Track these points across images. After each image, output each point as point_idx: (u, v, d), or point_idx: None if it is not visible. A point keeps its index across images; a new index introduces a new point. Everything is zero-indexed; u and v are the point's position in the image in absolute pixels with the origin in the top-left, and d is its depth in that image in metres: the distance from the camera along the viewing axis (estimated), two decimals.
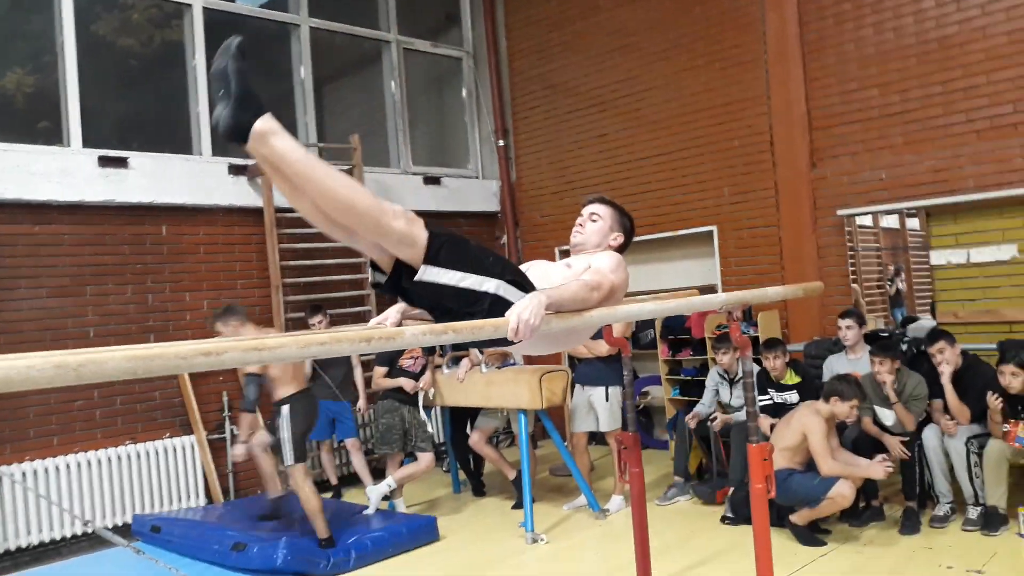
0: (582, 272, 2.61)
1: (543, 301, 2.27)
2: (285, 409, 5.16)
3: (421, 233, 2.32)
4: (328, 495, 6.73)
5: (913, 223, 7.64)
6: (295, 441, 5.10)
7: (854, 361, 5.56)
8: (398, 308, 2.66)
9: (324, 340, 1.99)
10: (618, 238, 2.89)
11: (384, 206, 2.27)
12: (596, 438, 6.71)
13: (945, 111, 5.86)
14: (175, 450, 6.51)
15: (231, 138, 2.13)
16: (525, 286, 2.44)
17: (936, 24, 5.89)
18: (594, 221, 2.88)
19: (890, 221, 7.12)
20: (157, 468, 6.40)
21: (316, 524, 5.04)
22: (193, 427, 6.63)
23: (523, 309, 2.22)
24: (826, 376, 5.56)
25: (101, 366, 1.63)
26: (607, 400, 5.81)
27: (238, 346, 1.84)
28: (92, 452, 6.13)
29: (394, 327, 2.46)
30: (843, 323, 5.60)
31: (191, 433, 6.63)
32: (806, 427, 4.69)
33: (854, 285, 6.41)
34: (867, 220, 6.44)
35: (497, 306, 2.36)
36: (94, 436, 6.24)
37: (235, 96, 2.11)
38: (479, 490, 6.63)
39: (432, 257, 2.34)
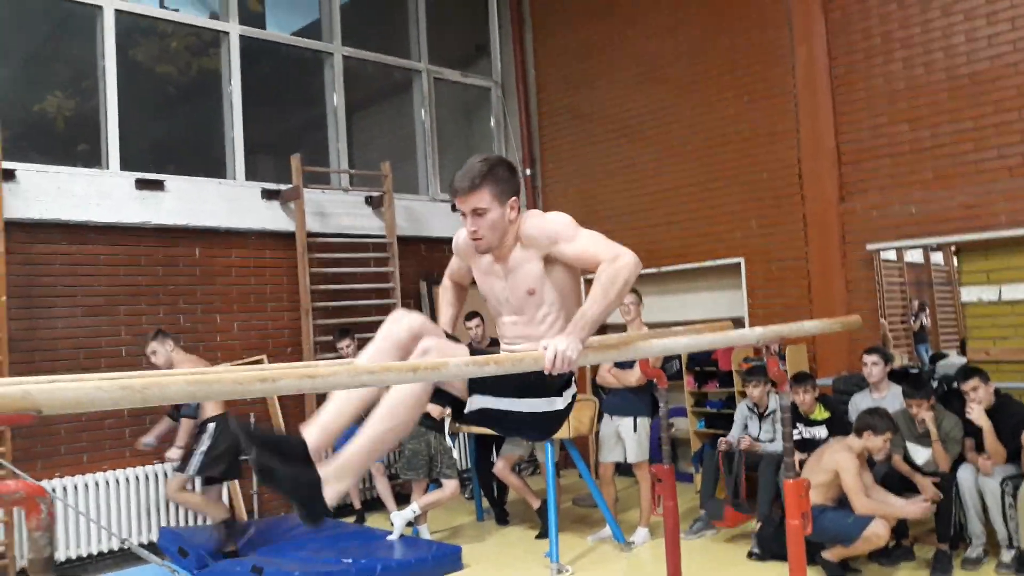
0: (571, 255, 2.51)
1: (581, 337, 2.33)
2: (211, 427, 5.54)
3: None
4: (351, 519, 6.75)
5: (937, 258, 7.61)
6: (210, 457, 5.50)
7: (878, 400, 5.51)
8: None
9: (374, 369, 2.04)
10: (514, 202, 2.55)
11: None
12: (620, 468, 6.69)
13: (977, 147, 5.85)
14: None
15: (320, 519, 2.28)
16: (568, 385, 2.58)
17: (967, 60, 5.90)
18: (481, 215, 2.52)
19: (914, 256, 7.09)
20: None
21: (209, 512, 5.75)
22: None
23: (561, 344, 2.27)
24: (851, 414, 5.52)
25: (164, 389, 1.69)
26: (635, 431, 5.80)
27: (293, 373, 1.89)
28: (121, 471, 6.20)
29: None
30: (868, 359, 5.54)
31: None
32: (839, 464, 4.65)
33: (882, 320, 6.38)
34: (891, 255, 6.42)
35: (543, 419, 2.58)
36: (123, 454, 6.30)
37: (298, 505, 2.25)
38: (502, 518, 6.62)
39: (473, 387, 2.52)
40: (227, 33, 7.25)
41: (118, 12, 6.62)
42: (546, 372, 2.24)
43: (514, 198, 2.55)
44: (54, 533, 1.51)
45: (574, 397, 2.64)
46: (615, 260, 2.38)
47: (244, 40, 7.33)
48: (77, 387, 1.59)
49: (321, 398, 7.06)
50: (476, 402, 2.49)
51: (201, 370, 2.15)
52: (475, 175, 2.50)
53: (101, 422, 6.20)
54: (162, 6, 7.27)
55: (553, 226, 2.52)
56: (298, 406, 7.01)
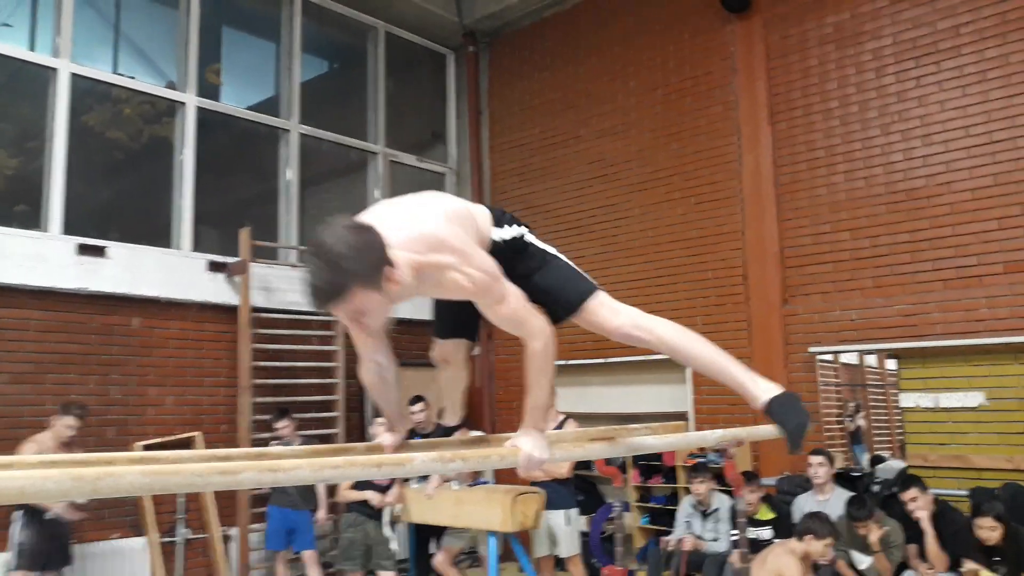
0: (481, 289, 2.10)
1: (542, 432, 2.27)
2: (18, 515, 5.31)
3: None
4: None
5: (871, 360, 7.83)
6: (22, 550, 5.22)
7: (823, 502, 5.55)
8: (390, 435, 2.54)
9: (338, 463, 1.96)
10: (388, 275, 1.94)
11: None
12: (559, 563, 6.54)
13: (913, 258, 6.11)
14: (123, 552, 6.19)
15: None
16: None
17: (904, 176, 6.21)
18: (363, 317, 2.01)
19: (849, 357, 7.28)
20: (103, 570, 6.05)
21: None
22: (145, 529, 6.32)
23: (530, 446, 2.22)
24: (795, 516, 5.53)
25: (119, 480, 1.58)
26: (568, 524, 5.71)
27: (254, 466, 1.80)
28: None
29: (393, 451, 2.41)
30: (814, 460, 5.63)
31: (142, 535, 6.32)
32: (782, 568, 4.64)
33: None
34: (828, 355, 6.58)
35: None
36: None
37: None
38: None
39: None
40: (183, 103, 7.21)
41: (73, 76, 6.53)
42: (519, 471, 2.19)
43: (386, 269, 1.94)
44: None
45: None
46: (548, 335, 2.25)
47: (200, 111, 7.30)
48: (25, 476, 1.47)
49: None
50: None
51: (152, 458, 2.04)
52: (331, 281, 1.91)
53: None
54: (116, 71, 7.22)
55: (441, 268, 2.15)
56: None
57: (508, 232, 2.43)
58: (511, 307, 2.16)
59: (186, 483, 1.70)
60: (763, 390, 2.64)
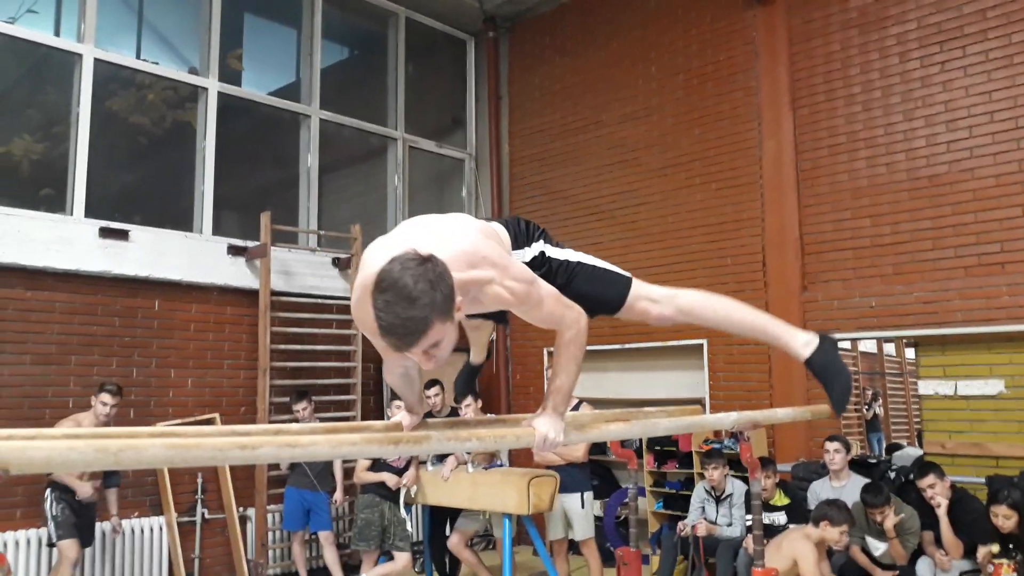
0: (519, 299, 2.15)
1: (560, 416, 2.30)
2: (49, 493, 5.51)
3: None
4: None
5: (890, 349, 7.78)
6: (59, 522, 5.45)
7: (839, 488, 5.55)
8: (407, 415, 2.57)
9: (355, 440, 1.99)
10: (458, 307, 1.96)
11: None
12: (573, 546, 6.58)
13: (935, 245, 6.05)
14: (143, 531, 6.31)
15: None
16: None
17: (927, 163, 6.15)
18: (437, 347, 1.95)
19: (867, 345, 7.24)
20: (123, 549, 6.17)
21: None
22: (164, 508, 6.43)
23: (547, 427, 2.25)
24: (811, 501, 5.53)
25: (141, 453, 1.63)
26: (583, 507, 5.75)
27: (273, 441, 1.84)
28: (11, 532, 5.83)
29: (412, 430, 2.45)
30: (831, 446, 5.62)
31: (161, 514, 6.43)
32: (797, 553, 4.64)
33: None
34: (846, 344, 6.54)
35: None
36: (12, 515, 5.97)
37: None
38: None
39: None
40: (206, 89, 7.27)
41: (97, 61, 6.60)
42: (535, 449, 2.23)
43: (457, 301, 1.95)
44: None
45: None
46: (583, 324, 2.31)
47: (222, 97, 7.35)
48: (51, 446, 1.52)
49: (272, 463, 6.82)
50: None
51: (172, 432, 2.08)
52: (417, 318, 1.86)
53: (42, 475, 5.92)
54: (139, 57, 7.28)
55: (513, 293, 2.21)
56: (247, 469, 6.80)
57: (528, 253, 2.47)
58: (548, 308, 2.21)
59: (207, 456, 1.74)
60: (803, 344, 2.72)
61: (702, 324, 2.70)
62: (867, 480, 5.47)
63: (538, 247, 2.52)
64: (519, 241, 2.48)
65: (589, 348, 7.68)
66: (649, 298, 2.61)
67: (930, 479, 5.01)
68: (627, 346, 7.65)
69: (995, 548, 4.61)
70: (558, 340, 2.27)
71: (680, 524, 5.85)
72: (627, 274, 2.63)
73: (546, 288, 2.21)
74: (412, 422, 2.50)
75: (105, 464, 1.58)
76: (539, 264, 2.47)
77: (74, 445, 1.54)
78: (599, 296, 2.57)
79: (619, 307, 2.59)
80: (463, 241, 2.13)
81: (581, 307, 2.38)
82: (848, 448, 5.66)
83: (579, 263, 2.57)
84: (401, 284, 1.85)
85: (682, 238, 7.44)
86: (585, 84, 8.36)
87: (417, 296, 1.85)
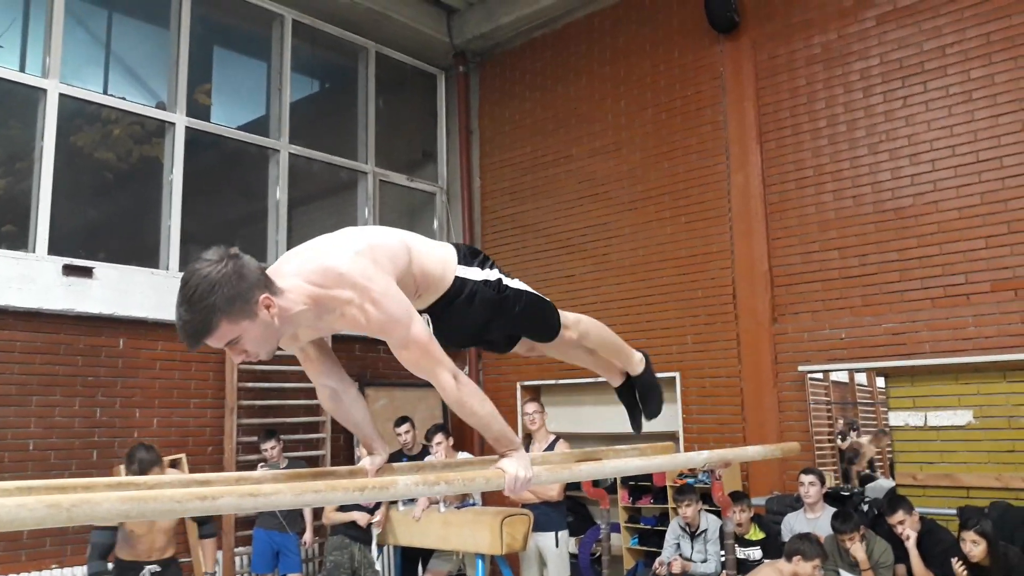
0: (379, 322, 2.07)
1: (521, 452, 2.27)
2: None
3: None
4: None
5: (861, 378, 7.83)
6: None
7: (813, 520, 5.54)
8: (370, 459, 2.52)
9: (319, 487, 1.94)
10: (266, 300, 1.98)
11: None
12: None
13: (902, 277, 6.12)
14: None
15: None
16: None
17: (892, 195, 6.24)
18: (237, 345, 2.03)
19: (840, 376, 7.27)
20: None
21: None
22: None
23: (515, 467, 2.22)
24: (785, 534, 5.51)
25: (95, 507, 1.57)
26: (557, 546, 5.68)
27: (234, 491, 1.78)
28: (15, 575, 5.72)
29: (378, 475, 2.39)
30: (805, 479, 5.62)
31: None
32: None
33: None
34: (818, 374, 6.58)
35: None
36: (18, 558, 5.83)
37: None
38: None
39: None
40: (173, 124, 7.20)
41: (62, 96, 6.52)
42: (506, 492, 2.19)
43: (261, 297, 1.96)
44: None
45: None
46: (460, 387, 2.20)
47: (190, 131, 7.29)
48: (0, 504, 1.45)
49: None
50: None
51: (130, 483, 2.01)
52: (198, 318, 1.91)
53: None
54: (106, 92, 7.21)
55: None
56: None
57: (483, 274, 2.46)
58: (413, 356, 2.13)
59: (165, 509, 1.68)
60: (638, 361, 3.07)
61: (588, 345, 2.86)
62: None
63: (495, 273, 2.51)
64: (467, 260, 2.47)
65: (562, 382, 7.63)
66: (565, 325, 2.70)
67: (899, 515, 5.03)
68: (600, 379, 7.59)
69: (963, 570, 4.59)
70: (447, 400, 2.20)
71: (656, 562, 5.80)
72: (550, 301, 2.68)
73: (418, 333, 2.10)
74: (375, 464, 2.42)
75: (58, 521, 1.51)
76: (498, 289, 2.46)
77: (24, 502, 1.47)
78: (544, 323, 2.63)
79: (556, 335, 2.68)
80: (328, 258, 2.12)
81: (530, 333, 2.58)
82: (823, 481, 5.65)
83: (527, 291, 2.59)
84: (186, 286, 1.92)
85: (653, 271, 7.47)
86: (555, 118, 8.42)
87: (197, 298, 1.90)
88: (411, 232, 2.48)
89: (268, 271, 2.10)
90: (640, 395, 3.02)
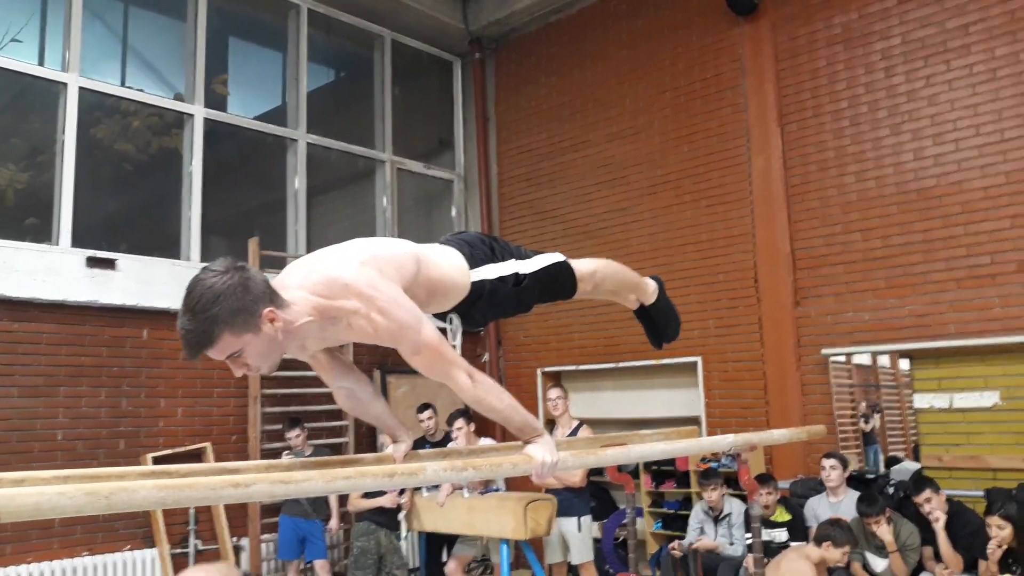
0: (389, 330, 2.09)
1: (546, 437, 2.28)
2: None
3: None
4: None
5: (885, 360, 7.77)
6: None
7: (835, 504, 5.52)
8: (394, 446, 2.54)
9: (350, 474, 1.95)
10: (270, 314, 1.97)
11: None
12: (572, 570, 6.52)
13: (926, 258, 6.06)
14: (134, 564, 6.20)
15: None
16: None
17: (915, 176, 6.17)
18: (239, 359, 2.02)
19: (862, 358, 7.22)
20: None
21: None
22: (156, 540, 6.33)
23: (541, 452, 2.23)
24: (808, 518, 5.50)
25: (132, 495, 1.58)
26: (579, 531, 5.69)
27: (266, 478, 1.79)
28: (47, 563, 5.81)
29: (405, 461, 2.40)
30: (827, 463, 5.58)
31: (153, 546, 6.32)
32: (797, 574, 4.58)
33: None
34: (841, 356, 6.54)
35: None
36: (50, 546, 5.92)
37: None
38: None
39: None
40: (191, 115, 7.23)
41: (82, 89, 6.56)
42: (533, 478, 2.20)
43: (265, 310, 1.96)
44: None
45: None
46: (477, 385, 2.20)
47: (208, 122, 7.32)
48: (39, 492, 1.47)
49: None
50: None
51: (163, 471, 2.03)
52: (199, 330, 1.90)
53: None
54: (124, 84, 7.25)
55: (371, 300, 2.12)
56: None
57: (498, 269, 2.47)
58: (426, 360, 2.13)
59: (199, 496, 1.69)
60: (652, 291, 3.09)
61: (605, 290, 2.92)
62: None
63: (510, 265, 2.52)
64: (479, 259, 2.47)
65: (582, 367, 7.63)
66: (581, 279, 2.72)
67: (926, 494, 4.99)
68: (620, 364, 7.61)
69: (1000, 549, 4.56)
70: (465, 399, 2.22)
71: (674, 543, 5.79)
72: (562, 258, 2.69)
73: (428, 337, 2.09)
74: (401, 451, 2.44)
75: (97, 508, 1.53)
76: (516, 282, 2.49)
77: (63, 490, 1.49)
78: (562, 289, 2.69)
79: (574, 293, 2.74)
80: (332, 268, 2.12)
81: (550, 301, 2.65)
82: (845, 465, 5.63)
83: (543, 268, 2.59)
84: (190, 296, 1.91)
85: (673, 255, 7.43)
86: (572, 103, 8.37)
87: (200, 308, 1.89)
88: (419, 244, 2.47)
89: (272, 283, 2.08)
90: (657, 321, 3.07)
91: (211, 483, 1.68)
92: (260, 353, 2.02)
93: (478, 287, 2.42)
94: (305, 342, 2.20)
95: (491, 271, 2.47)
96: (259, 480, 1.75)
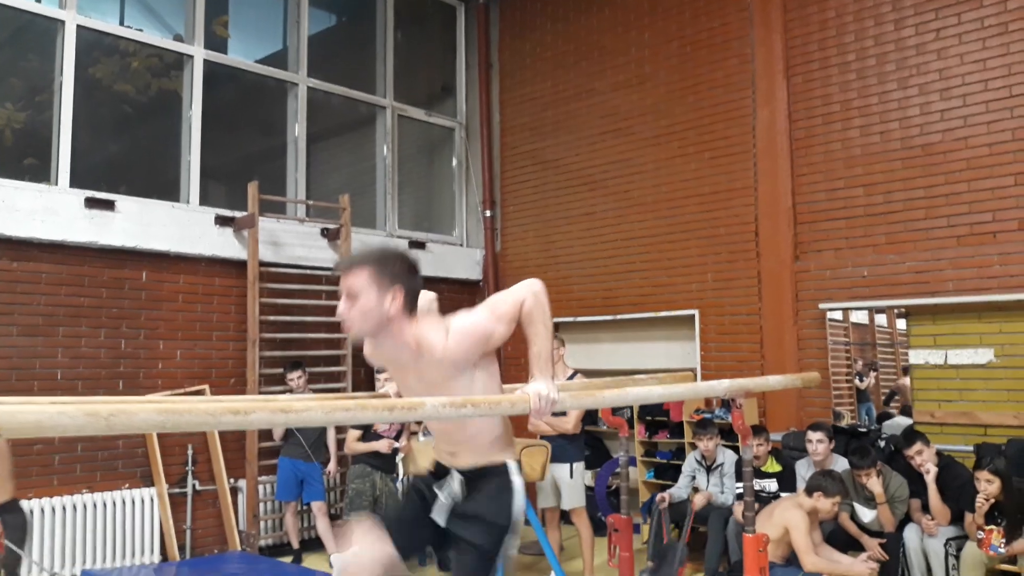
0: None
1: (550, 375, 2.37)
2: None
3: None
4: (288, 559, 6.52)
5: (881, 319, 7.80)
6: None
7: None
8: (393, 385, 2.59)
9: (350, 406, 1.96)
10: (397, 295, 2.36)
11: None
12: (565, 516, 6.61)
13: (927, 215, 6.04)
14: (133, 502, 6.29)
15: None
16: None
17: (920, 131, 6.12)
18: (353, 299, 2.36)
19: (859, 316, 7.25)
20: (113, 520, 6.17)
21: None
22: (155, 479, 6.41)
23: (541, 387, 2.27)
24: (798, 480, 5.52)
25: (131, 417, 1.60)
26: (571, 477, 5.75)
27: (266, 406, 1.81)
28: (47, 499, 5.91)
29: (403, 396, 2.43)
30: (813, 436, 5.45)
31: (151, 485, 6.41)
32: (788, 521, 4.66)
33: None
34: (838, 315, 6.55)
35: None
36: (50, 482, 6.01)
37: None
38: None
39: None
40: (191, 56, 7.14)
41: (80, 28, 6.47)
42: (531, 414, 2.23)
43: (397, 287, 2.36)
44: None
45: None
46: (535, 295, 2.41)
47: (208, 64, 7.23)
48: (40, 410, 1.48)
49: (264, 434, 6.81)
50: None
51: (163, 400, 2.05)
52: (360, 256, 2.43)
53: (29, 447, 5.89)
54: (123, 24, 7.14)
55: (476, 324, 2.40)
56: (238, 440, 6.79)
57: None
58: (506, 308, 2.42)
59: (198, 422, 1.71)
60: None
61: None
62: (843, 460, 5.48)
63: None
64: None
65: (580, 319, 7.66)
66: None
67: (917, 446, 5.05)
68: (619, 317, 7.64)
69: (987, 503, 4.61)
70: (521, 312, 2.41)
71: (659, 496, 5.85)
72: None
73: (495, 304, 2.45)
74: (393, 390, 2.50)
75: (97, 429, 1.55)
76: None
77: (64, 410, 1.51)
78: None
79: None
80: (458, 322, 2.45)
81: None
82: (831, 437, 5.53)
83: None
84: (379, 245, 2.49)
85: (675, 207, 7.41)
86: (577, 51, 8.26)
87: (374, 251, 2.46)
88: None
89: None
90: None
91: (210, 409, 1.70)
92: (364, 309, 2.34)
93: None
94: (381, 350, 2.52)
95: None
96: (258, 408, 1.76)
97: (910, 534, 4.96)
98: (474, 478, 2.45)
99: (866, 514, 5.14)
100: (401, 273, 2.38)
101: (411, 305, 2.39)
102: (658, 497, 5.87)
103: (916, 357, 6.03)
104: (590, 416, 7.03)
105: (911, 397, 6.08)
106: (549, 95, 8.48)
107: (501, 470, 2.46)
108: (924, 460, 5.01)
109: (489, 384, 2.41)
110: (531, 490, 6.09)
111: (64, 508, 5.96)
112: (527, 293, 2.40)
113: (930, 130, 6.06)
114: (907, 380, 6.21)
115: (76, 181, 6.34)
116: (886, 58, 6.29)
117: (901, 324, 6.31)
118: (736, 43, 7.10)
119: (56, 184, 6.27)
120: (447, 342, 2.32)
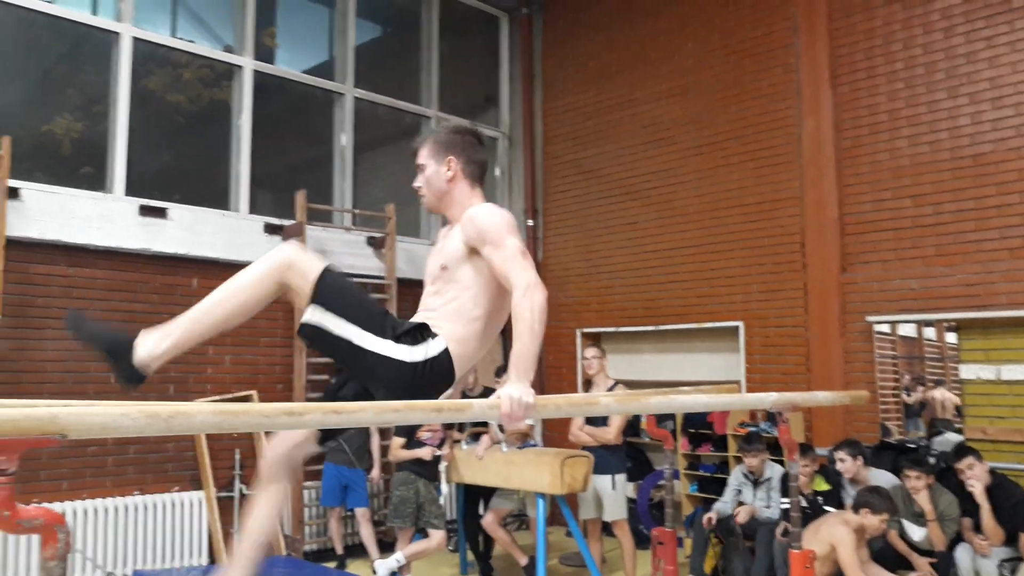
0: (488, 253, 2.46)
1: (530, 379, 2.22)
2: None
3: (317, 266, 2.51)
4: (332, 564, 6.59)
5: (930, 333, 7.65)
6: None
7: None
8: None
9: (399, 408, 2.00)
10: (451, 162, 2.65)
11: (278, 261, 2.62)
12: (608, 527, 6.59)
13: (978, 226, 5.92)
14: (182, 505, 6.42)
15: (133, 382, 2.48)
16: (417, 340, 2.45)
17: (971, 141, 6.01)
18: (422, 171, 2.72)
19: (907, 329, 7.12)
20: (163, 522, 6.30)
21: None
22: (203, 483, 6.53)
23: (513, 390, 2.15)
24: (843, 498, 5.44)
25: (190, 419, 1.64)
26: (613, 488, 5.74)
27: (319, 407, 1.85)
28: (100, 500, 6.05)
29: (458, 399, 2.46)
30: (838, 454, 5.43)
31: (200, 489, 6.53)
32: (835, 538, 4.59)
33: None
34: (885, 327, 6.44)
35: (382, 366, 2.36)
36: (103, 484, 6.16)
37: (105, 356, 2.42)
38: (487, 573, 6.47)
39: (318, 296, 2.51)
40: (241, 67, 7.30)
41: (135, 40, 6.65)
42: (504, 423, 2.17)
43: (451, 157, 2.64)
44: (67, 563, 1.45)
45: (440, 360, 2.41)
46: (529, 292, 2.29)
47: (257, 75, 7.38)
48: (104, 412, 1.54)
49: None
50: (313, 314, 2.47)
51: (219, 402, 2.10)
52: (426, 133, 2.75)
53: (84, 449, 6.05)
54: (174, 36, 7.33)
55: (484, 224, 2.49)
56: None
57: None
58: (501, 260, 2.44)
59: (254, 423, 1.76)
60: None
61: None
62: (889, 473, 5.38)
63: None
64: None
65: (622, 329, 7.63)
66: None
67: (968, 460, 4.94)
68: (661, 328, 7.60)
69: None
70: (512, 303, 2.34)
71: (706, 516, 5.80)
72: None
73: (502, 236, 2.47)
74: (448, 395, 2.52)
75: (157, 430, 1.60)
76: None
77: (126, 411, 1.56)
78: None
79: None
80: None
81: None
82: (858, 455, 5.40)
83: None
84: (447, 126, 2.76)
85: (719, 218, 7.36)
86: (620, 61, 8.27)
87: (446, 126, 2.77)
88: None
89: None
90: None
91: (265, 410, 1.74)
92: (429, 177, 2.68)
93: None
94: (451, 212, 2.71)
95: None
96: (312, 409, 1.81)
97: (962, 554, 4.84)
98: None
99: (916, 532, 5.04)
100: (457, 144, 2.65)
101: (471, 175, 2.67)
102: (705, 518, 5.81)
103: (967, 372, 5.91)
104: (632, 428, 7.00)
105: (939, 411, 5.95)
106: (592, 105, 8.50)
107: (423, 326, 2.46)
108: (973, 475, 4.89)
109: (486, 279, 2.51)
110: (573, 501, 6.09)
111: (116, 509, 6.10)
112: (541, 292, 2.31)
113: (981, 140, 5.95)
114: (936, 393, 6.09)
115: (131, 189, 6.51)
116: (935, 67, 6.20)
117: (950, 338, 6.19)
118: (780, 52, 7.05)
119: (112, 192, 6.45)
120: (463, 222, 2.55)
